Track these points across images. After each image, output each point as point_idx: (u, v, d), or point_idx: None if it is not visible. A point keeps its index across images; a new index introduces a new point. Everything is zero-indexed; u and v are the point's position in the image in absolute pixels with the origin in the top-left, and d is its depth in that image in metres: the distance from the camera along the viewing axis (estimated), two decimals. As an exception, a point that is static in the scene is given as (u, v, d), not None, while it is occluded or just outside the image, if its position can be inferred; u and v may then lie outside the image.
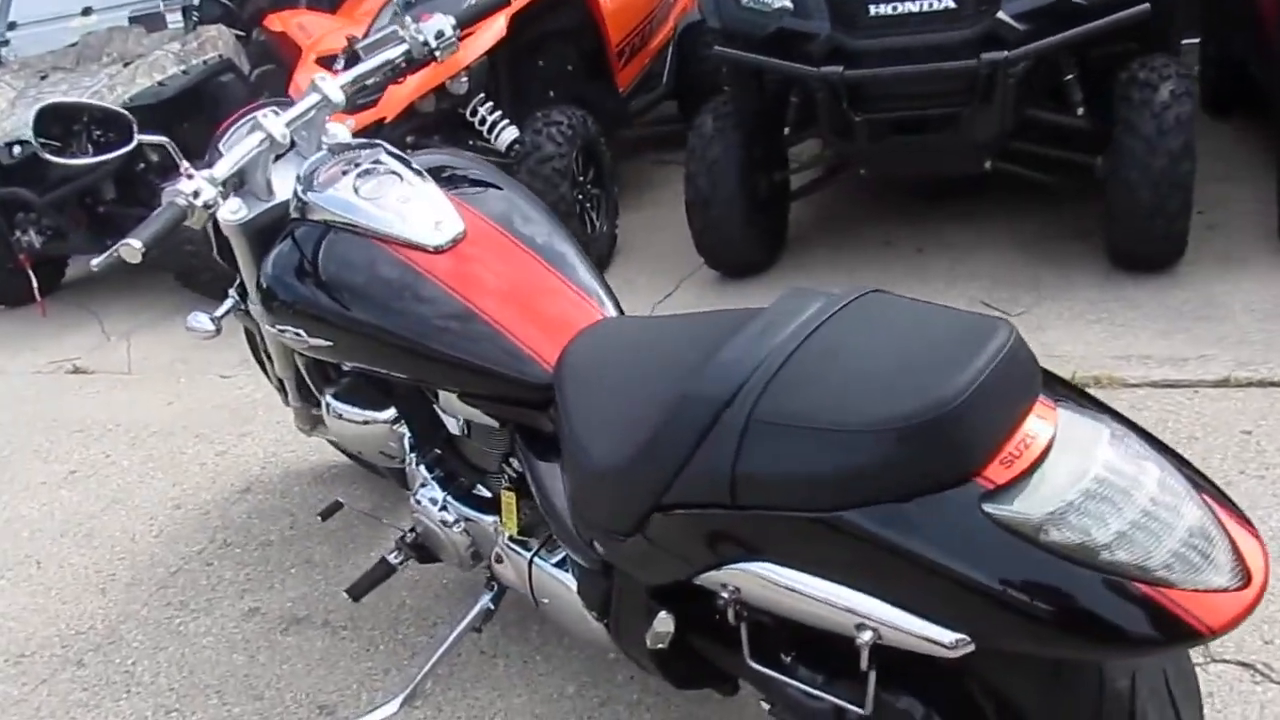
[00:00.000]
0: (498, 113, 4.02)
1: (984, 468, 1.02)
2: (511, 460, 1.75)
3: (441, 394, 1.75)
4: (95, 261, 1.67)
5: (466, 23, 1.96)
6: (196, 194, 1.62)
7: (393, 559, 2.02)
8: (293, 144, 1.82)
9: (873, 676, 1.17)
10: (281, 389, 2.46)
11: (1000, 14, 2.92)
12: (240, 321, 2.29)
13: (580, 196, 3.94)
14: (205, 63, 4.67)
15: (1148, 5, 2.89)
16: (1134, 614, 0.96)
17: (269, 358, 2.43)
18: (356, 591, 2.01)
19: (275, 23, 4.43)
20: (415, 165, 1.78)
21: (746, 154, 3.49)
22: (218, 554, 2.60)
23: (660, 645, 1.43)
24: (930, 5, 3.00)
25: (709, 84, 5.06)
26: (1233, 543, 1.00)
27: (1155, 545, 0.97)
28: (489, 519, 1.82)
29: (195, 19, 5.38)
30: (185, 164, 1.68)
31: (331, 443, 2.74)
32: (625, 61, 4.57)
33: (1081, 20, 2.91)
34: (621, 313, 1.69)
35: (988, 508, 1.01)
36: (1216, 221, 3.46)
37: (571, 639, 2.04)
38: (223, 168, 1.68)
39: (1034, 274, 3.34)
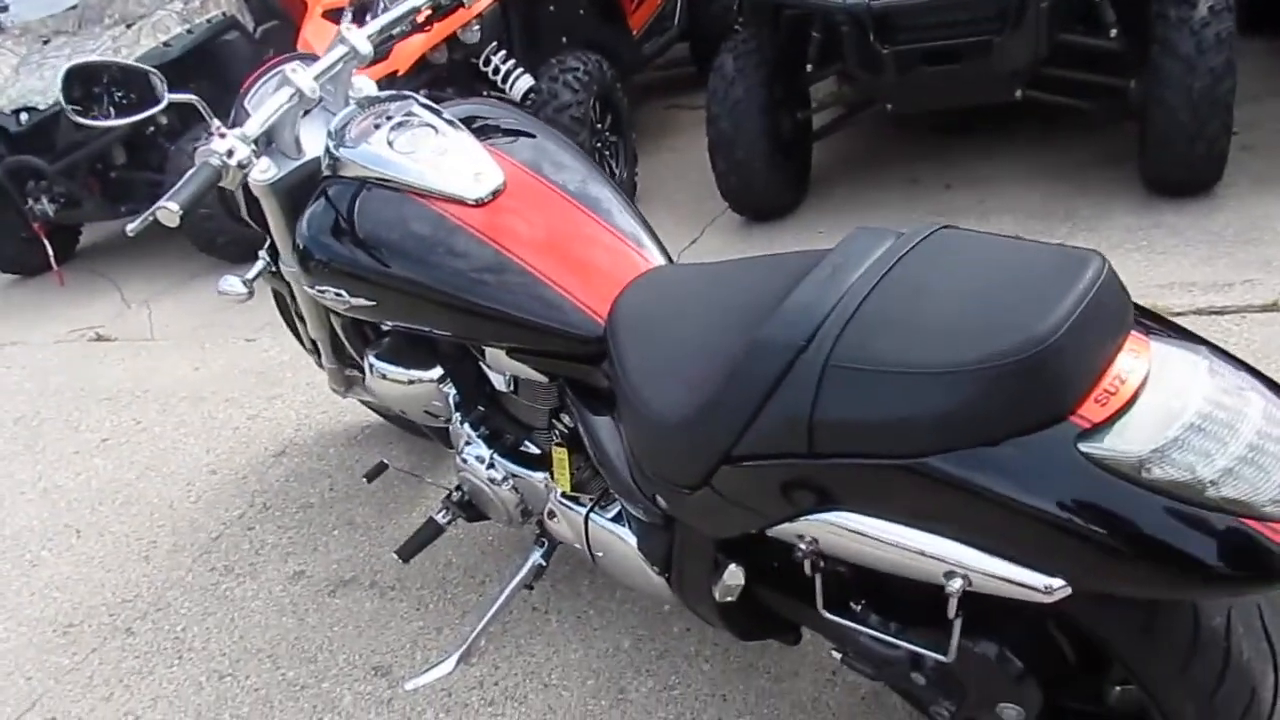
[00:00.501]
0: (511, 61, 3.95)
1: (1078, 406, 0.99)
2: (562, 416, 1.72)
3: (488, 350, 1.71)
4: (131, 226, 1.63)
5: None
6: (230, 153, 1.57)
7: (440, 518, 2.00)
8: (319, 100, 1.76)
9: (958, 624, 1.15)
10: (315, 351, 2.43)
11: (1032, -66, 2.81)
12: (269, 284, 2.25)
13: (599, 144, 3.87)
14: (209, 21, 4.57)
15: (1187, -82, 2.79)
16: (1245, 552, 0.93)
17: (301, 320, 2.40)
18: (406, 552, 2.00)
19: (278, -24, 4.33)
20: (449, 116, 1.73)
21: (769, 94, 3.41)
22: (258, 518, 2.59)
23: (729, 598, 1.41)
24: (958, -72, 2.89)
25: (719, 24, 4.95)
26: None
27: (1264, 480, 0.94)
28: (539, 475, 1.79)
29: (194, -24, 5.26)
30: (216, 122, 1.63)
31: (365, 403, 2.73)
32: (637, 3, 4.46)
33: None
34: (670, 260, 1.65)
35: (1084, 447, 0.98)
36: (1252, 143, 3.37)
37: (629, 592, 2.03)
38: (254, 125, 1.63)
39: (1068, 204, 3.27)
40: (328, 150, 1.73)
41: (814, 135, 3.76)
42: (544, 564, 1.91)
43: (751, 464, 1.19)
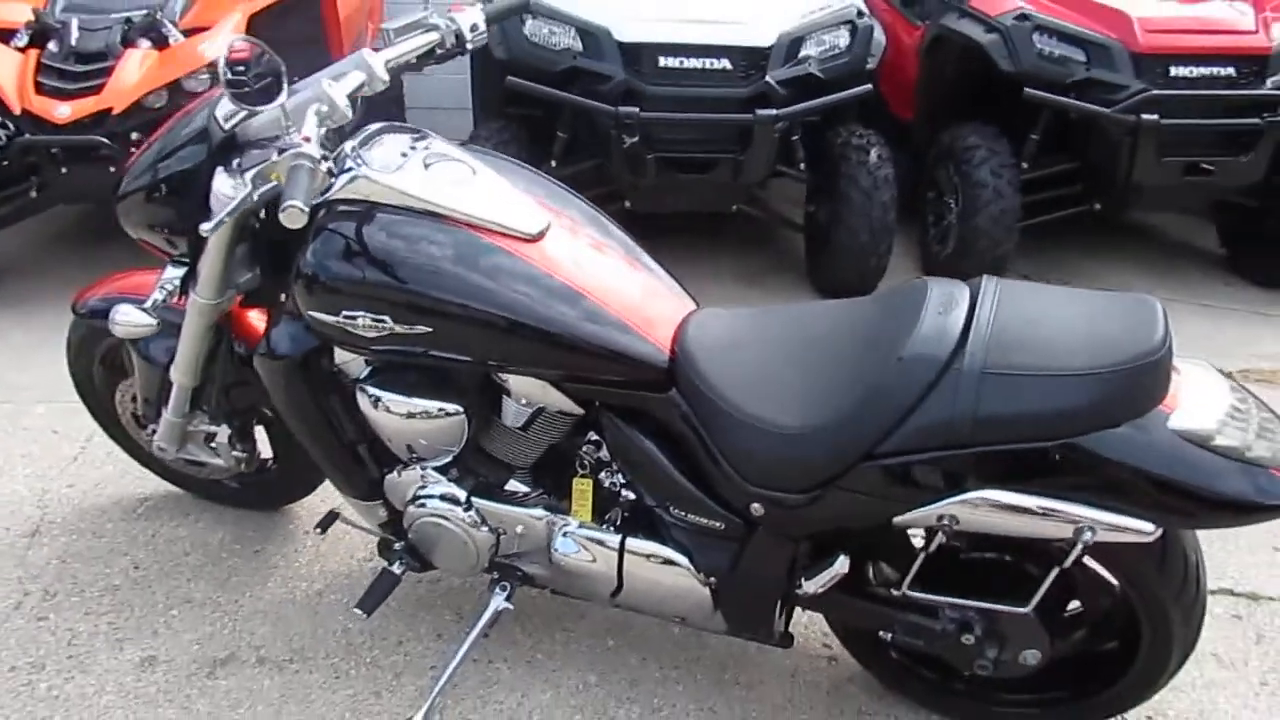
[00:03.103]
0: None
1: (1164, 397, 1.41)
2: (583, 448, 1.78)
3: (515, 382, 1.72)
4: (208, 225, 1.43)
5: (492, 19, 1.95)
6: (324, 159, 1.48)
7: (396, 569, 1.90)
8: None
9: (1050, 578, 1.51)
10: (151, 402, 2.14)
11: (768, 78, 3.45)
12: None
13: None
14: None
15: (870, 86, 3.64)
16: (1276, 492, 1.40)
17: (146, 362, 2.09)
18: (368, 606, 1.85)
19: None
20: (474, 155, 1.77)
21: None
22: (47, 606, 2.13)
23: (819, 590, 1.61)
24: (710, 64, 3.45)
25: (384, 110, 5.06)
26: None
27: (1276, 444, 1.42)
28: (536, 512, 1.82)
29: None
30: (294, 126, 1.50)
31: (162, 471, 2.41)
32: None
33: (823, 92, 3.56)
34: (697, 304, 1.83)
35: (1171, 425, 1.40)
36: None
37: (569, 631, 2.08)
38: (314, 135, 1.52)
39: (764, 302, 3.91)
40: (346, 172, 1.66)
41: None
42: (510, 607, 1.90)
43: (899, 459, 1.45)
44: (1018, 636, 1.64)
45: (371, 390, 1.74)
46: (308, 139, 1.49)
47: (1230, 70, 3.61)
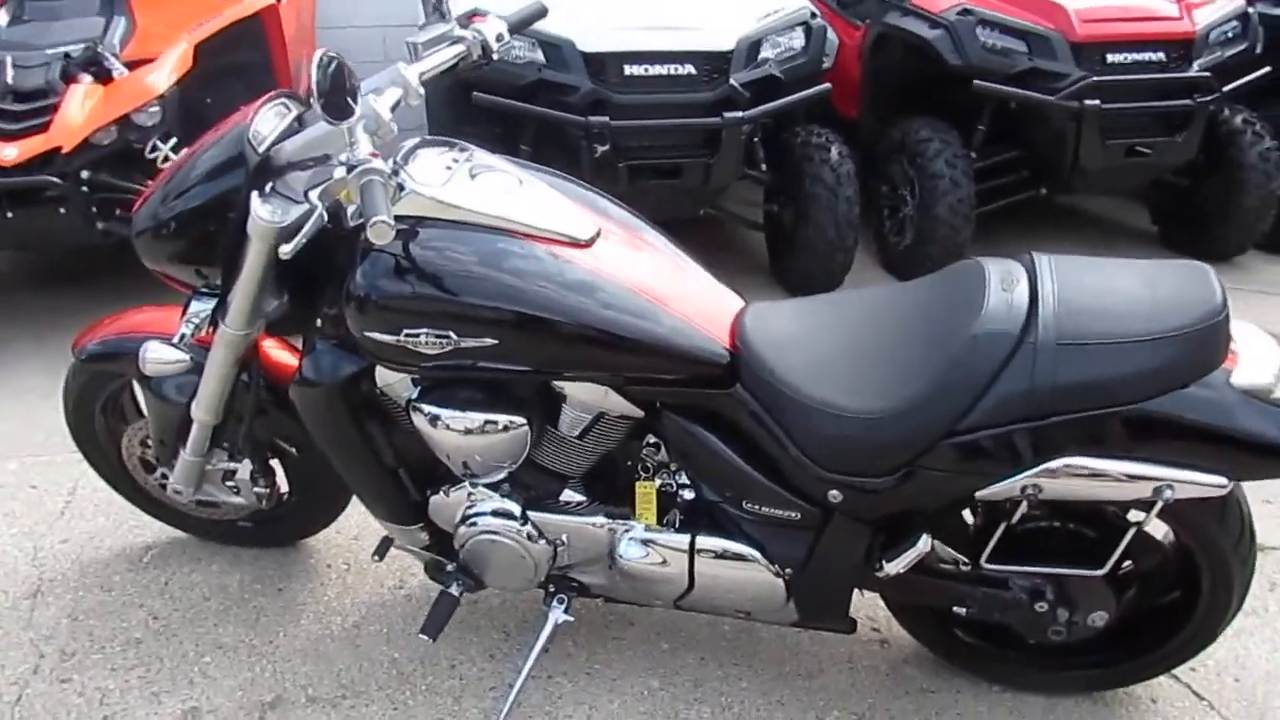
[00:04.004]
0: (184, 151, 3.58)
1: (1225, 356, 1.48)
2: (643, 451, 1.77)
3: (574, 388, 1.70)
4: (286, 248, 1.38)
5: (515, 28, 1.93)
6: (392, 174, 1.44)
7: (454, 591, 1.86)
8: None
9: (1127, 538, 1.56)
10: (167, 444, 2.05)
11: (731, 81, 3.49)
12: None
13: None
14: None
15: (829, 85, 3.72)
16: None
17: (163, 402, 2.00)
18: (433, 630, 1.81)
19: None
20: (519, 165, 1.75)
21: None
22: (68, 667, 2.01)
23: (900, 570, 1.64)
24: (675, 70, 3.47)
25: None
26: None
27: (1331, 396, 1.50)
28: (596, 520, 1.80)
29: None
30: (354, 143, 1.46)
31: (166, 516, 2.32)
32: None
33: (784, 93, 3.62)
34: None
35: (1233, 382, 1.46)
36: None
37: (620, 640, 2.06)
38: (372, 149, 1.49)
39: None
40: (403, 188, 1.62)
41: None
42: (571, 618, 1.88)
43: (981, 433, 1.48)
44: (1087, 600, 1.69)
45: (429, 409, 1.70)
46: (375, 154, 1.45)
47: (1160, 55, 3.79)
